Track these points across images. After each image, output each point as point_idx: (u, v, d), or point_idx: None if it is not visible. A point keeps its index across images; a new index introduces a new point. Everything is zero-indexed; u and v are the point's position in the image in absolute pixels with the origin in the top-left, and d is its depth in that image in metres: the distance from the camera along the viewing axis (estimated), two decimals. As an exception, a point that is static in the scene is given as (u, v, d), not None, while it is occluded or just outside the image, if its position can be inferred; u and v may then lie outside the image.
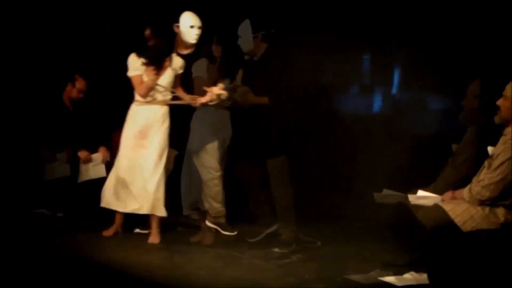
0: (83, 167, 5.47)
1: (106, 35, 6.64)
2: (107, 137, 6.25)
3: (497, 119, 4.09)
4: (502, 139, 4.05)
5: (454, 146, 4.84)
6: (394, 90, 6.91)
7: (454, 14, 6.00)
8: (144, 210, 5.39)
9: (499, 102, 4.05)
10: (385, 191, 4.47)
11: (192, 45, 5.60)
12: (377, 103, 6.92)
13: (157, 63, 5.41)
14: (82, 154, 5.39)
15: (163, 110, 5.48)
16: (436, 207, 4.11)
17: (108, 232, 5.50)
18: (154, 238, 5.44)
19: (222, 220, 5.78)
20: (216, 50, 5.53)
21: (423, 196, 4.36)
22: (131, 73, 5.45)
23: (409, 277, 4.64)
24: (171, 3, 6.62)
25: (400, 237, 4.40)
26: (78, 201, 5.95)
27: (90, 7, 6.64)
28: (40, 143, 5.75)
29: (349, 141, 6.64)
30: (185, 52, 5.67)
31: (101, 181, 5.63)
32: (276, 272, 4.85)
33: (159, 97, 5.46)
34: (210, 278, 4.61)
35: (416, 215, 4.21)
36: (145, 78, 5.42)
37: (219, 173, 5.64)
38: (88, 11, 6.63)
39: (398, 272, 4.72)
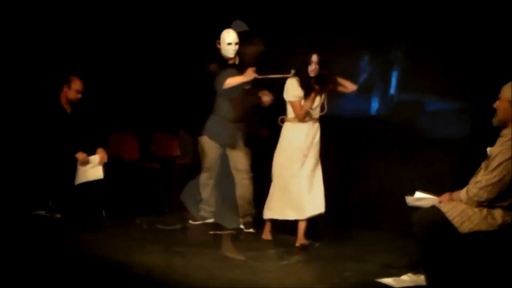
0: (81, 169, 5.45)
1: (105, 36, 6.65)
2: (105, 138, 6.27)
3: (494, 121, 4.08)
4: (499, 141, 4.04)
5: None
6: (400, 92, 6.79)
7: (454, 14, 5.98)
8: None
9: (496, 104, 4.04)
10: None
11: (232, 58, 5.93)
12: (375, 104, 6.88)
13: None
14: (80, 156, 5.39)
15: None
16: (433, 208, 4.10)
17: None
18: None
19: (249, 219, 6.02)
20: None
21: (420, 198, 4.34)
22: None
23: (407, 278, 4.64)
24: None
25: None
26: (76, 203, 5.95)
27: (88, 7, 6.64)
28: (38, 145, 5.75)
29: (349, 142, 6.61)
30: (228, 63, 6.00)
31: (99, 183, 5.64)
32: (275, 273, 4.87)
33: None
34: (209, 279, 4.62)
35: (413, 217, 4.19)
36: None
37: (250, 175, 6.01)
38: (87, 11, 6.63)
39: (396, 274, 4.72)
